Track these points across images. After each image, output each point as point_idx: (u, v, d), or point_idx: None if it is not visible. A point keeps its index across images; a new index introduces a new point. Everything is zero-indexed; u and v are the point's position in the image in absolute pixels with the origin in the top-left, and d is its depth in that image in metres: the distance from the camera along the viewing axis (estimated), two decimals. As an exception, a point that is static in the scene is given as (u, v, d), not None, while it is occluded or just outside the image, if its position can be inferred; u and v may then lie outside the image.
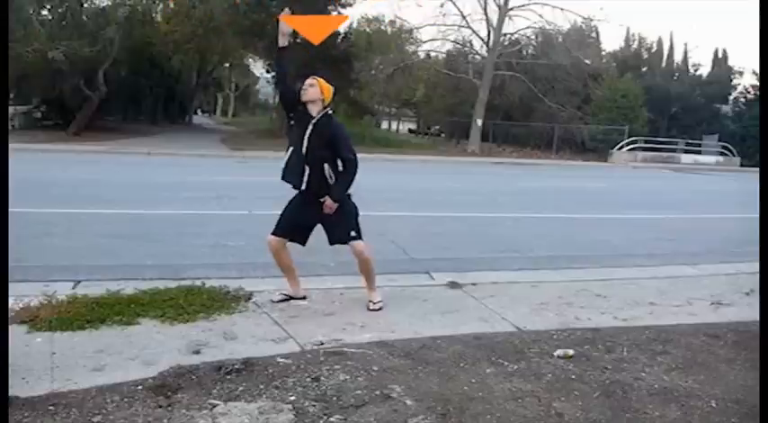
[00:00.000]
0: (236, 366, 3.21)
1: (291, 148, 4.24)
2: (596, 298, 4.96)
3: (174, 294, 4.32)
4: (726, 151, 28.15)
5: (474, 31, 28.92)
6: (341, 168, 4.27)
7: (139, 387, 2.98)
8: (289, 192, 4.39)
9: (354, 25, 33.64)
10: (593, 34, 31.76)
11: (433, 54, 32.61)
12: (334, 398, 2.94)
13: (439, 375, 3.26)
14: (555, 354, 3.63)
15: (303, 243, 4.40)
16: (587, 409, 2.95)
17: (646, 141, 27.17)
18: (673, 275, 5.88)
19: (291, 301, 4.45)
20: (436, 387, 3.12)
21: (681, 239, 8.16)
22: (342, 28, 29.78)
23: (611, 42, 66.27)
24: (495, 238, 7.66)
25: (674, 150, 27.98)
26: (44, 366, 3.18)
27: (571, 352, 3.65)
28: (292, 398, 2.93)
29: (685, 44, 49.78)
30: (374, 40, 33.08)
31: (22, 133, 20.48)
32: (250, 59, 42.31)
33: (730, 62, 35.99)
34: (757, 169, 19.61)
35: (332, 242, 4.38)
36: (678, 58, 36.53)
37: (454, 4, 28.69)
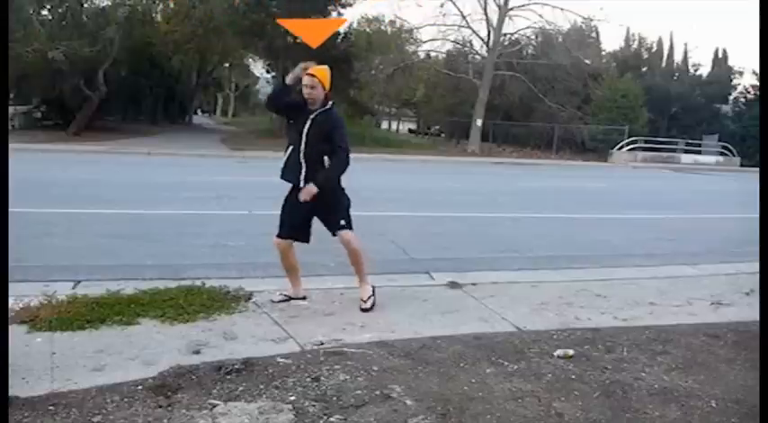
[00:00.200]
0: (236, 366, 3.21)
1: (291, 147, 4.24)
2: (596, 298, 4.96)
3: (174, 294, 4.32)
4: (726, 151, 28.15)
5: (474, 31, 28.97)
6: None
7: (139, 387, 2.98)
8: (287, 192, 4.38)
9: (354, 25, 33.71)
10: (593, 34, 31.79)
11: (433, 54, 32.64)
12: (334, 398, 2.94)
13: (439, 375, 3.26)
14: (555, 354, 3.63)
15: (307, 240, 4.39)
16: (587, 409, 2.95)
17: (646, 141, 27.17)
18: (673, 275, 5.88)
19: (291, 301, 4.45)
20: (436, 387, 3.12)
21: (681, 239, 8.16)
22: (342, 28, 29.84)
23: (611, 42, 66.39)
24: (495, 238, 7.66)
25: (674, 150, 27.99)
26: (44, 366, 3.18)
27: (571, 352, 3.65)
28: (292, 398, 2.93)
29: (685, 44, 49.89)
30: (374, 40, 33.07)
31: (22, 133, 20.49)
32: (250, 59, 42.34)
33: (730, 62, 36.10)
34: (757, 169, 19.61)
35: (331, 232, 4.34)
36: (678, 58, 36.60)
37: (454, 4, 28.71)
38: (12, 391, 2.71)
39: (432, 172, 18.18)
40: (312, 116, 4.18)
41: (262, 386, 3.04)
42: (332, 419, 2.74)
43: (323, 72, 4.19)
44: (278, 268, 4.55)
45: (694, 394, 3.17)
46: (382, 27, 36.31)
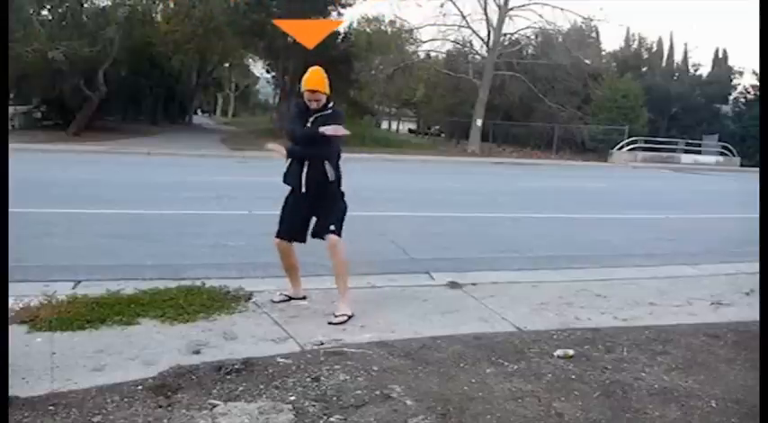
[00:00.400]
0: (236, 366, 3.21)
1: None
2: (596, 298, 4.96)
3: (174, 294, 4.32)
4: (726, 151, 28.15)
5: (474, 31, 28.97)
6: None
7: (139, 387, 2.98)
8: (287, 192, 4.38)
9: (354, 25, 33.70)
10: (593, 34, 31.77)
11: (433, 54, 32.63)
12: (334, 398, 2.94)
13: (439, 375, 3.26)
14: (555, 354, 3.63)
15: (303, 240, 4.38)
16: (587, 409, 2.95)
17: (646, 141, 27.18)
18: (673, 275, 5.88)
19: (291, 301, 4.45)
20: (436, 387, 3.12)
21: (681, 239, 8.16)
22: (342, 28, 29.85)
23: (611, 42, 66.34)
24: (494, 238, 7.66)
25: (674, 150, 28.00)
26: (44, 366, 3.18)
27: (571, 352, 3.65)
28: (292, 398, 2.93)
29: (685, 44, 49.81)
30: (374, 40, 33.02)
31: (22, 133, 20.49)
32: (250, 59, 42.35)
33: (730, 62, 36.07)
34: (757, 169, 19.61)
35: (313, 234, 4.27)
36: (678, 58, 36.58)
37: (454, 4, 28.66)
38: (12, 391, 2.71)
39: (432, 172, 18.18)
40: (311, 119, 4.16)
41: (262, 386, 3.04)
42: (332, 419, 2.74)
43: (320, 82, 4.12)
44: (278, 268, 4.55)
45: (694, 394, 3.17)
46: (382, 27, 36.25)
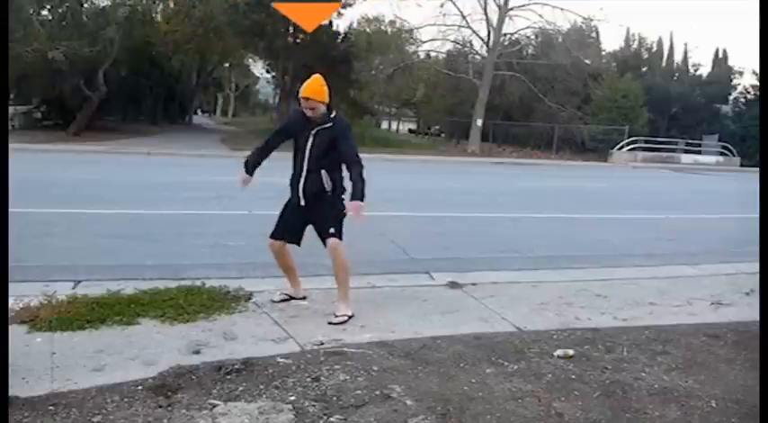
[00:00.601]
0: (236, 366, 3.21)
1: (294, 162, 4.23)
2: (596, 298, 4.96)
3: (174, 294, 4.32)
4: (726, 151, 28.15)
5: (474, 31, 28.96)
6: (345, 173, 4.16)
7: (139, 387, 2.98)
8: (288, 193, 4.38)
9: (354, 25, 33.72)
10: (593, 34, 31.77)
11: (433, 54, 32.62)
12: (334, 398, 2.94)
13: (439, 375, 3.26)
14: (555, 354, 3.63)
15: (298, 243, 4.39)
16: (587, 409, 2.95)
17: (646, 141, 27.18)
18: (673, 275, 5.88)
19: (291, 301, 4.46)
20: (436, 387, 3.12)
21: (681, 239, 8.16)
22: (342, 28, 29.89)
23: (611, 42, 66.40)
24: (495, 238, 7.66)
25: (674, 150, 28.00)
26: (44, 366, 3.18)
27: (571, 352, 3.65)
28: (292, 398, 2.93)
29: (685, 44, 49.89)
30: (374, 40, 33.04)
31: (22, 133, 20.48)
32: (250, 59, 42.34)
33: (730, 62, 36.07)
34: (757, 169, 19.61)
35: (321, 240, 4.27)
36: (678, 58, 36.57)
37: (454, 4, 28.74)
38: (12, 391, 2.71)
39: (432, 172, 18.18)
40: (314, 132, 4.12)
41: (262, 386, 3.04)
42: (332, 419, 2.74)
43: (315, 89, 4.06)
44: (278, 268, 4.55)
45: (694, 394, 3.17)
46: (382, 27, 36.31)
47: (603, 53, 33.64)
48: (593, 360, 3.58)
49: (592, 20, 29.42)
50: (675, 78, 34.95)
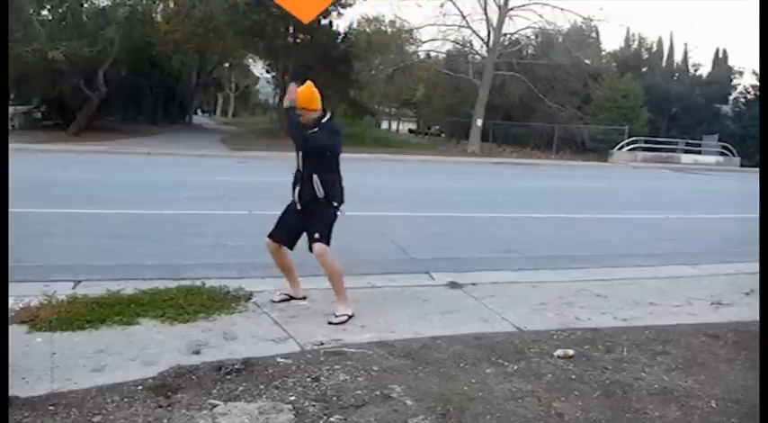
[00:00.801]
0: (236, 366, 3.21)
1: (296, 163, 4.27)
2: (596, 298, 4.96)
3: (174, 294, 4.32)
4: (726, 151, 28.14)
5: (474, 31, 28.94)
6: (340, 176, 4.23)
7: (139, 387, 2.98)
8: (288, 193, 4.39)
9: (354, 25, 33.69)
10: (593, 34, 31.75)
11: (433, 54, 32.59)
12: (334, 398, 2.94)
13: (439, 375, 3.26)
14: (555, 354, 3.63)
15: (290, 247, 4.40)
16: (587, 409, 2.95)
17: (646, 141, 27.16)
18: (673, 275, 5.88)
19: (291, 301, 4.46)
20: (436, 387, 3.12)
21: (681, 239, 8.16)
22: (342, 28, 29.87)
23: (611, 42, 66.33)
24: (495, 238, 7.66)
25: (674, 150, 27.99)
26: (44, 366, 3.19)
27: (571, 352, 3.65)
28: (292, 398, 2.93)
29: (685, 44, 49.88)
30: (374, 40, 33.03)
31: (22, 133, 20.48)
32: (250, 59, 42.32)
33: (730, 62, 36.04)
34: (757, 169, 19.61)
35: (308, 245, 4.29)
36: (678, 58, 36.56)
37: (454, 4, 28.71)
38: (12, 391, 2.71)
39: (432, 172, 18.18)
40: (304, 137, 4.16)
41: (262, 386, 3.04)
42: (332, 419, 2.74)
43: (302, 98, 4.10)
44: (277, 268, 4.55)
45: (694, 394, 3.17)
46: (382, 27, 36.30)
47: (603, 53, 33.65)
48: (593, 360, 3.58)
49: (592, 20, 29.44)
50: (675, 78, 34.94)
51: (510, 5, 27.36)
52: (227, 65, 46.22)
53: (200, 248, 6.21)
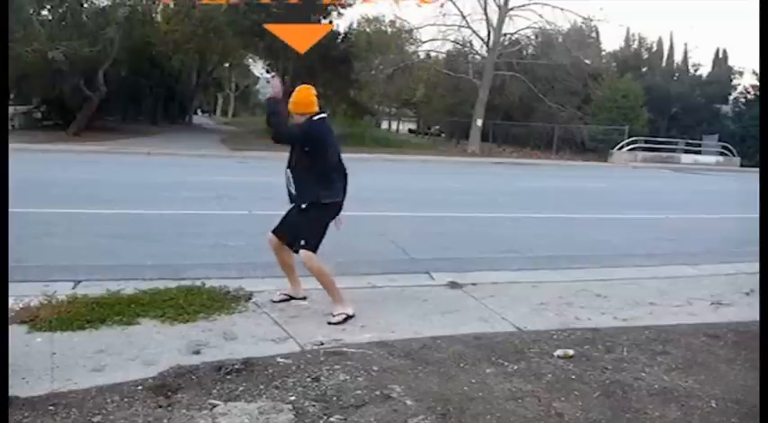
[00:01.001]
0: (236, 366, 3.21)
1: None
2: (596, 298, 4.96)
3: (174, 294, 4.33)
4: (726, 151, 28.14)
5: (474, 31, 28.92)
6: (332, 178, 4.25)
7: (139, 387, 2.98)
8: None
9: (354, 25, 33.69)
10: (593, 34, 31.73)
11: (433, 54, 32.56)
12: (334, 398, 2.94)
13: (439, 375, 3.26)
14: (555, 354, 3.63)
15: (290, 246, 4.39)
16: (587, 409, 2.95)
17: (646, 141, 27.16)
18: (673, 275, 5.88)
19: (291, 301, 4.46)
20: (436, 387, 3.12)
21: (681, 239, 8.16)
22: (342, 28, 29.88)
23: (611, 42, 66.26)
24: (495, 238, 7.66)
25: (674, 150, 27.99)
26: (44, 366, 3.19)
27: (571, 352, 3.65)
28: (292, 398, 2.93)
29: (685, 44, 49.76)
30: (374, 40, 32.99)
31: (22, 133, 20.47)
32: (250, 59, 42.29)
33: (730, 62, 36.02)
34: (757, 169, 19.60)
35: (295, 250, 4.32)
36: (678, 58, 36.55)
37: (454, 4, 28.58)
38: (12, 391, 2.71)
39: (432, 172, 18.18)
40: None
41: (262, 386, 3.04)
42: (332, 419, 2.74)
43: (292, 101, 4.19)
44: (278, 268, 4.56)
45: (694, 394, 3.17)
46: (382, 27, 36.27)
47: (603, 53, 33.63)
48: (593, 360, 3.58)
49: (592, 20, 29.41)
50: (675, 78, 34.93)
51: (510, 5, 27.36)
52: (227, 65, 46.20)
53: (200, 248, 6.21)
